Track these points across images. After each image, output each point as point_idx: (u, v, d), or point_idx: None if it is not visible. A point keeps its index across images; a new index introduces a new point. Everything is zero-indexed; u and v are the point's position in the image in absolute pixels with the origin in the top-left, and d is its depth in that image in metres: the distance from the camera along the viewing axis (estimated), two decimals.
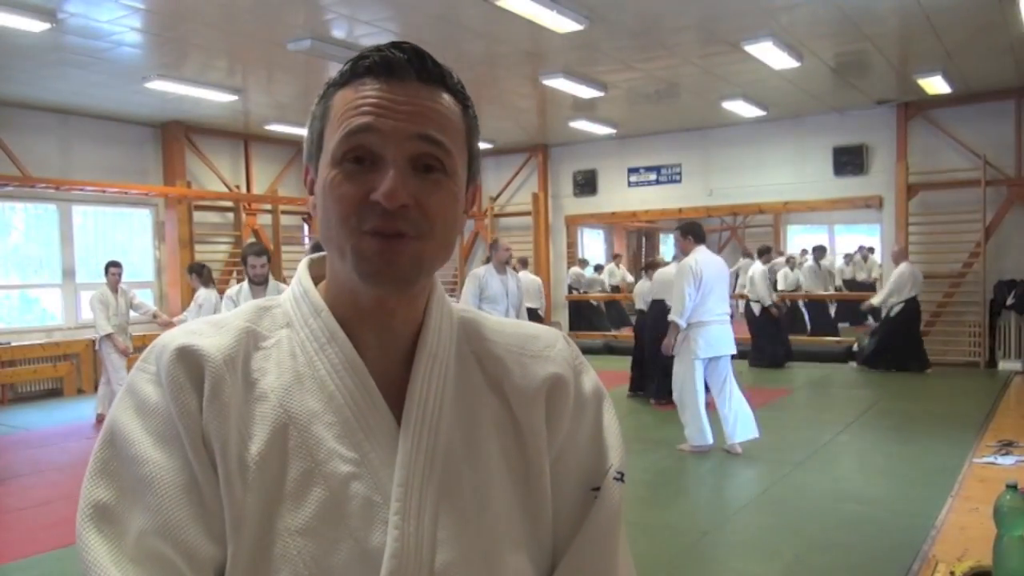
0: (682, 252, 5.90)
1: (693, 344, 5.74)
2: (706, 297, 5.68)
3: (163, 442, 0.72)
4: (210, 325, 0.79)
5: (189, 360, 0.74)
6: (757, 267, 10.15)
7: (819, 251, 13.08)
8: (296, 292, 0.84)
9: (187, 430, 0.72)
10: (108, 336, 7.37)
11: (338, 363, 0.78)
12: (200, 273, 7.37)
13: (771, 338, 10.26)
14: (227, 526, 0.71)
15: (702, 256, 5.75)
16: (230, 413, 0.74)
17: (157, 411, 0.73)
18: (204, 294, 7.06)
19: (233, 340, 0.77)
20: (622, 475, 0.86)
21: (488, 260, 6.94)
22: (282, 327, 0.81)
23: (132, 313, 7.76)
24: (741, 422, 5.72)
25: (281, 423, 0.75)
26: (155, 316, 8.04)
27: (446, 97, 0.79)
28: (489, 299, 6.42)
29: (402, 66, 0.76)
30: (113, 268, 7.55)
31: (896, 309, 9.44)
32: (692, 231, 5.85)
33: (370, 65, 0.77)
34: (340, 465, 0.75)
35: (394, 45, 0.78)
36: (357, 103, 0.76)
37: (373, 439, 0.76)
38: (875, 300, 9.83)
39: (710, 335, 5.74)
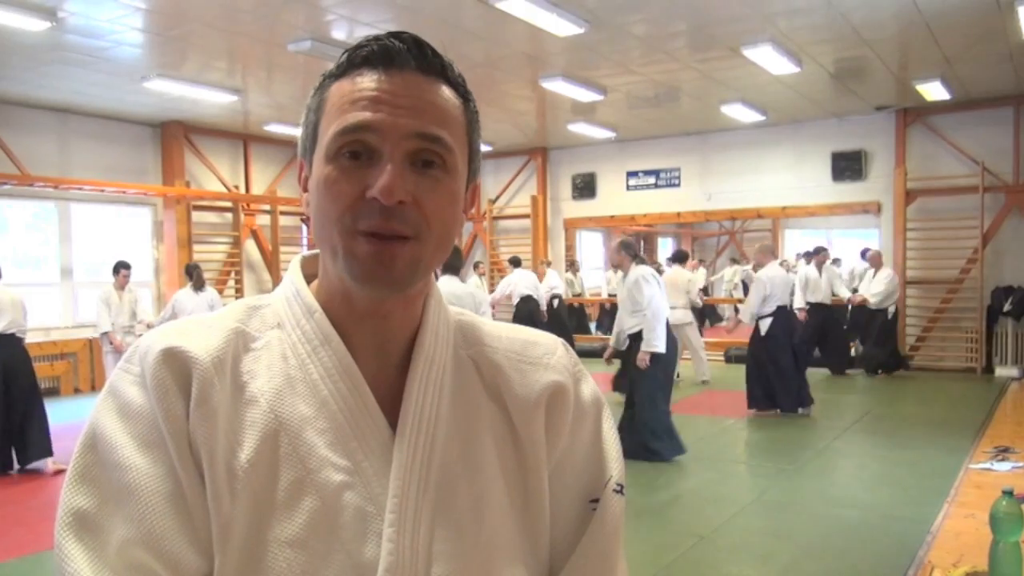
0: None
1: None
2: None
3: (147, 447, 0.69)
4: (197, 325, 0.75)
5: (176, 362, 0.70)
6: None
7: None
8: (288, 291, 0.80)
9: (173, 436, 0.69)
10: (105, 334, 7.45)
11: (331, 367, 0.74)
12: (191, 275, 7.37)
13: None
14: (214, 536, 0.68)
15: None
16: (218, 418, 0.70)
17: (141, 414, 0.70)
18: (180, 297, 7.08)
19: (222, 341, 0.73)
20: (622, 487, 0.83)
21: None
22: (272, 328, 0.77)
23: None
24: None
25: (271, 429, 0.72)
26: (148, 326, 8.03)
27: (446, 90, 0.76)
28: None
29: (401, 55, 0.73)
30: (123, 269, 7.60)
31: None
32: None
33: (368, 55, 0.74)
34: (332, 474, 0.71)
35: (393, 35, 0.75)
36: (354, 96, 0.72)
37: (367, 447, 0.73)
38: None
39: None
